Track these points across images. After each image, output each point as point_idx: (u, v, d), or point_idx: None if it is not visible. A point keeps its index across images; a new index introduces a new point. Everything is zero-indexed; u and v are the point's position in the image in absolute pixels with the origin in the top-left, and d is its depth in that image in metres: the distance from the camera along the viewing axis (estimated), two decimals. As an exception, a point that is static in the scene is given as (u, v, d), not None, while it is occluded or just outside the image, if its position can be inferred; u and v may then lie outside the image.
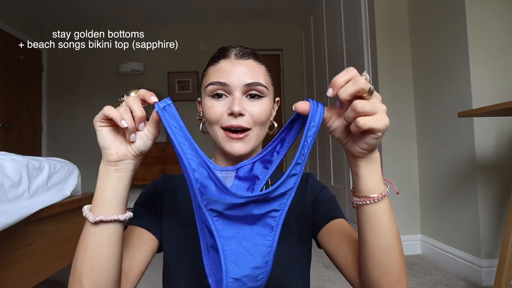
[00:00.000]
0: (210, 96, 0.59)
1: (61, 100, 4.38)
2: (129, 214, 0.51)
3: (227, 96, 0.58)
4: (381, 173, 0.46)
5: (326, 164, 3.32)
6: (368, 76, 0.42)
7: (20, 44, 3.87)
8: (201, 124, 0.68)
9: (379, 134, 0.41)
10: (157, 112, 0.48)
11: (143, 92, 0.48)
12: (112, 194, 0.49)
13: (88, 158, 4.33)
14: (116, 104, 0.50)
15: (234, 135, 0.57)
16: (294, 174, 0.47)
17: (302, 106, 0.44)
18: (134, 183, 3.45)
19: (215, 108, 0.58)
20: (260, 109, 0.59)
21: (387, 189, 0.46)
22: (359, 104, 0.40)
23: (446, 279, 1.73)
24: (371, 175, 0.46)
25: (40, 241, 1.20)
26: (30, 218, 1.08)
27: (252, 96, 0.59)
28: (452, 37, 1.84)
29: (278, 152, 0.49)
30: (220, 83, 0.58)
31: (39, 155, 4.20)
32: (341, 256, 0.58)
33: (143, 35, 4.51)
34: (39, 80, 4.29)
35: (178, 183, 0.68)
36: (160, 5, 3.97)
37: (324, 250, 0.63)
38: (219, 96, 0.58)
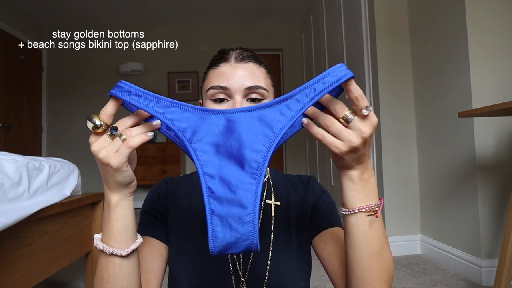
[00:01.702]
0: (212, 100, 0.60)
1: (61, 100, 4.38)
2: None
3: (228, 100, 0.59)
4: (361, 191, 0.47)
5: (326, 164, 3.32)
6: (367, 108, 0.43)
7: (20, 44, 3.87)
8: None
9: (334, 155, 0.45)
10: (121, 99, 0.48)
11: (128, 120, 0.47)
12: (133, 220, 0.49)
13: (88, 158, 4.34)
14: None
15: None
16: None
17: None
18: (134, 183, 3.38)
19: None
20: None
21: (358, 208, 0.47)
22: (328, 123, 0.44)
23: (446, 279, 1.73)
24: (345, 189, 0.48)
25: (40, 241, 1.20)
26: (30, 218, 1.08)
27: (253, 100, 0.60)
28: (452, 37, 1.84)
29: (290, 109, 0.45)
30: (221, 87, 0.58)
31: (39, 155, 4.20)
32: (331, 264, 0.60)
33: (143, 35, 4.51)
34: (39, 80, 4.29)
35: (180, 185, 0.70)
36: (160, 5, 3.97)
37: (317, 255, 0.65)
38: (221, 100, 0.59)
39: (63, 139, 4.35)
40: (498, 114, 1.26)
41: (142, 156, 3.99)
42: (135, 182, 0.49)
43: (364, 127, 0.43)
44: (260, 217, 0.64)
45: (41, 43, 4.20)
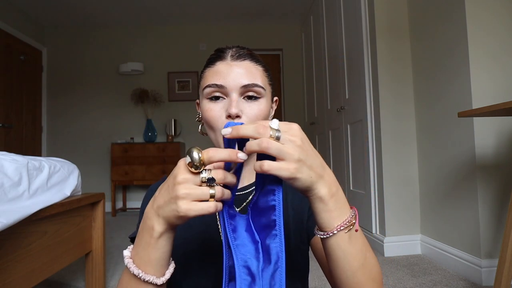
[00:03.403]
0: (208, 98, 0.60)
1: (61, 100, 4.39)
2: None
3: (224, 98, 0.59)
4: (334, 209, 0.43)
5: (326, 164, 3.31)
6: (275, 124, 0.39)
7: (20, 44, 3.88)
8: (200, 126, 0.68)
9: (291, 182, 0.39)
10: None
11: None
12: (171, 250, 0.46)
13: (88, 158, 4.34)
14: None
15: None
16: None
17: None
18: (134, 183, 3.47)
19: (212, 111, 0.59)
20: (258, 111, 0.59)
21: (343, 224, 0.43)
22: (267, 144, 0.37)
23: (446, 279, 1.73)
24: (316, 212, 0.43)
25: (40, 241, 1.20)
26: (30, 218, 1.08)
27: (249, 98, 0.59)
28: (452, 37, 1.84)
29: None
30: (216, 85, 0.58)
31: (39, 155, 4.20)
32: (327, 268, 0.59)
33: (143, 35, 4.52)
34: (39, 80, 4.29)
35: None
36: (160, 5, 3.97)
37: (315, 257, 0.64)
38: (216, 98, 0.59)
39: (63, 139, 4.35)
40: (498, 114, 1.26)
41: (142, 156, 3.99)
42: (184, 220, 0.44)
43: (290, 135, 0.39)
44: None
45: (41, 43, 4.22)
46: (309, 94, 4.07)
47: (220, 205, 0.41)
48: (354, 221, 0.44)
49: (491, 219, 1.66)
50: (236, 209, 0.65)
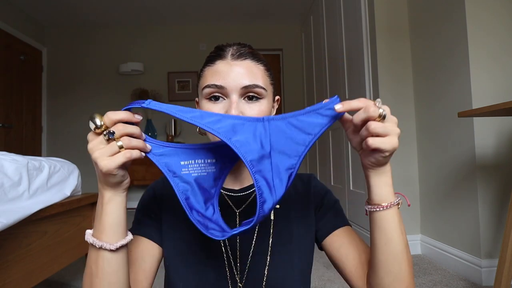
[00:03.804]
0: (207, 98, 0.58)
1: (61, 100, 4.39)
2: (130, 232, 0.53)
3: (224, 99, 0.57)
4: (392, 185, 0.50)
5: (326, 164, 3.32)
6: (379, 102, 0.45)
7: (20, 44, 3.88)
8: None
9: (387, 153, 0.45)
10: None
11: (121, 115, 0.47)
12: (124, 216, 0.50)
13: (88, 158, 4.32)
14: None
15: None
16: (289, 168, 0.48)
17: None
18: (135, 183, 3.46)
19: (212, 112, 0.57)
20: (258, 112, 0.57)
21: (397, 200, 0.50)
22: (371, 125, 0.43)
23: (446, 279, 1.73)
24: (380, 185, 0.49)
25: (40, 241, 1.20)
26: (30, 218, 1.08)
27: (250, 98, 0.57)
28: (452, 37, 1.84)
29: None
30: (216, 86, 0.56)
31: (39, 155, 4.20)
32: (350, 265, 0.59)
33: (143, 35, 4.52)
34: (39, 80, 4.29)
35: None
36: (160, 5, 3.97)
37: (329, 257, 0.64)
38: (216, 98, 0.57)
39: (63, 139, 4.35)
40: (498, 114, 1.26)
41: (142, 156, 3.98)
42: (127, 180, 0.49)
43: (392, 125, 0.44)
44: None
45: (41, 43, 4.21)
46: (309, 94, 4.07)
47: (134, 152, 0.45)
48: (400, 200, 0.50)
49: (491, 219, 1.66)
50: (236, 209, 0.64)
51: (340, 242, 0.61)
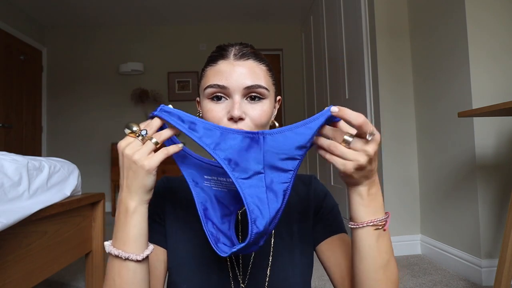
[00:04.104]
0: (209, 98, 0.57)
1: (61, 100, 4.38)
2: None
3: (227, 99, 0.57)
4: (370, 206, 0.50)
5: (326, 164, 3.32)
6: (350, 135, 0.46)
7: (20, 44, 3.87)
8: None
9: (344, 174, 0.47)
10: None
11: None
12: (147, 227, 0.51)
13: (88, 158, 4.34)
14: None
15: None
16: (287, 170, 0.48)
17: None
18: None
19: (214, 112, 0.56)
20: (261, 112, 0.57)
21: (374, 221, 0.49)
22: (331, 145, 0.47)
23: (446, 279, 1.73)
24: (354, 203, 0.50)
25: (40, 241, 1.20)
26: (30, 218, 1.08)
27: (252, 98, 0.57)
28: (452, 37, 1.84)
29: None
30: (218, 86, 0.56)
31: (39, 155, 4.20)
32: (338, 276, 0.60)
33: (143, 35, 4.52)
34: (39, 80, 4.29)
35: (178, 185, 0.66)
36: (160, 5, 3.97)
37: (321, 263, 0.64)
38: (218, 98, 0.57)
39: (63, 139, 4.35)
40: (498, 114, 1.26)
41: (142, 156, 3.98)
42: (153, 189, 0.50)
43: (368, 146, 0.45)
44: None
45: (41, 43, 4.21)
46: (309, 94, 4.07)
47: (170, 148, 0.49)
48: (384, 223, 0.50)
49: (491, 219, 1.66)
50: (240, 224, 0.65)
51: (332, 251, 0.62)
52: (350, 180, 0.48)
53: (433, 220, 2.08)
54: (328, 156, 0.47)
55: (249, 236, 0.45)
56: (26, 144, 3.95)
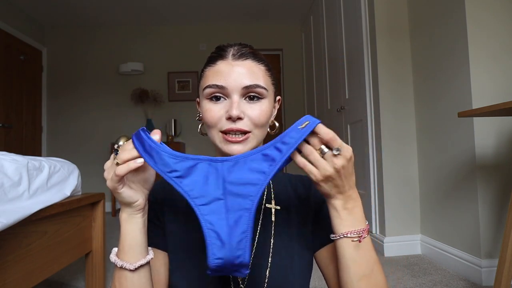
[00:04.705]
0: (208, 98, 0.58)
1: (61, 100, 4.38)
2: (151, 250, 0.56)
3: (225, 99, 0.57)
4: (346, 219, 0.51)
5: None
6: (324, 148, 0.48)
7: (20, 44, 3.87)
8: (199, 126, 0.66)
9: (317, 183, 0.49)
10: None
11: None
12: (142, 237, 0.52)
13: (88, 158, 4.34)
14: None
15: (233, 138, 0.56)
16: (261, 171, 0.48)
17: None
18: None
19: (213, 112, 0.57)
20: (260, 112, 0.57)
21: (350, 233, 0.51)
22: (308, 150, 0.48)
23: (446, 279, 1.73)
24: (331, 216, 0.52)
25: (40, 241, 1.20)
26: (30, 218, 1.08)
27: (251, 98, 0.57)
28: (452, 37, 1.84)
29: (280, 151, 0.48)
30: (217, 86, 0.56)
31: (39, 155, 4.20)
32: (333, 284, 0.62)
33: (143, 35, 4.52)
34: (39, 80, 4.29)
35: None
36: (160, 5, 3.97)
37: (320, 270, 0.65)
38: (217, 98, 0.57)
39: (63, 139, 4.35)
40: (498, 114, 1.26)
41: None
42: (139, 202, 0.51)
43: (336, 159, 0.47)
44: (260, 221, 0.63)
45: (41, 43, 4.21)
46: (309, 94, 4.07)
47: (130, 164, 0.48)
48: (361, 235, 0.51)
49: (491, 219, 1.66)
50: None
51: (330, 260, 0.62)
52: (322, 190, 0.50)
53: (433, 220, 2.08)
54: (302, 163, 0.48)
55: (209, 264, 0.45)
56: (26, 144, 3.95)
